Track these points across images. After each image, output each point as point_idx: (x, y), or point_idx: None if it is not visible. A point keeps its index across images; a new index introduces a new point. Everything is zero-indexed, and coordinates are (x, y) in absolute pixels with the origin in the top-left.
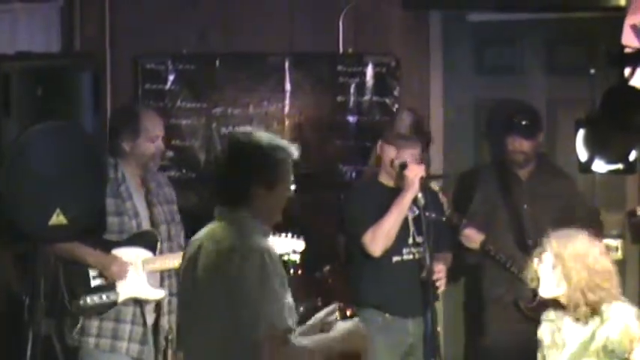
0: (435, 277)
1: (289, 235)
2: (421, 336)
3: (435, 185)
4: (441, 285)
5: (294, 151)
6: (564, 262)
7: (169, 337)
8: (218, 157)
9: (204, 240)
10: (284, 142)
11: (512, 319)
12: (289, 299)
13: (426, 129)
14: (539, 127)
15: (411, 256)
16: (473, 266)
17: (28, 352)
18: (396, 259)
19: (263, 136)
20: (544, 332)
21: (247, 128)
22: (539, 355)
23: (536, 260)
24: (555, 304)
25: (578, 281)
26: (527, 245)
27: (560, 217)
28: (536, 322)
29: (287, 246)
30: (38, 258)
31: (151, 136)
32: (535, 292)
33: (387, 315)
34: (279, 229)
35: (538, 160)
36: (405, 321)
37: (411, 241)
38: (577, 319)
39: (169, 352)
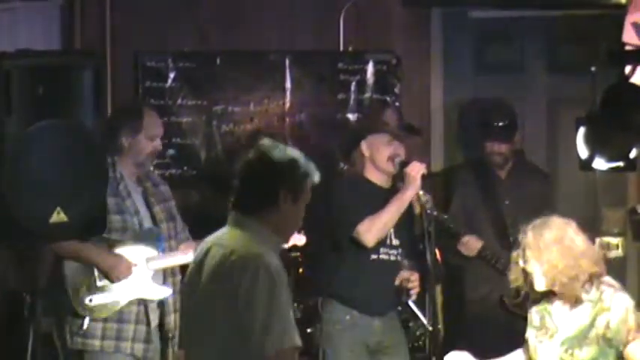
0: (409, 284)
1: None
2: (390, 334)
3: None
4: (414, 293)
5: (317, 174)
6: (543, 250)
7: (170, 336)
8: (244, 165)
9: (213, 245)
10: (310, 162)
11: (498, 318)
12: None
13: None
14: (515, 127)
15: (386, 257)
16: (454, 266)
17: (29, 350)
18: (373, 257)
19: (292, 149)
20: (534, 313)
21: (272, 141)
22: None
23: (521, 261)
24: (546, 292)
25: (560, 265)
26: (509, 241)
27: (537, 214)
28: (522, 319)
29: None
30: (38, 256)
31: (151, 135)
32: (519, 289)
33: (354, 312)
34: None
35: (516, 157)
36: (372, 319)
37: (388, 242)
38: (567, 304)
39: (170, 351)
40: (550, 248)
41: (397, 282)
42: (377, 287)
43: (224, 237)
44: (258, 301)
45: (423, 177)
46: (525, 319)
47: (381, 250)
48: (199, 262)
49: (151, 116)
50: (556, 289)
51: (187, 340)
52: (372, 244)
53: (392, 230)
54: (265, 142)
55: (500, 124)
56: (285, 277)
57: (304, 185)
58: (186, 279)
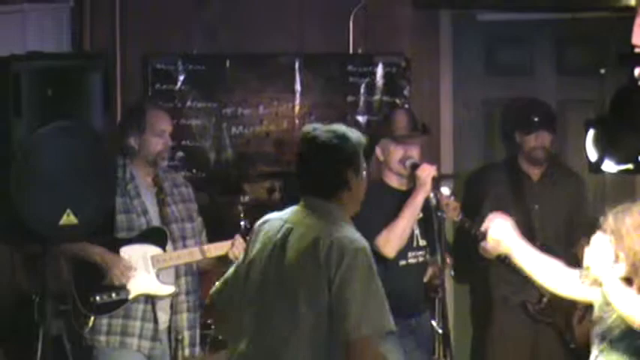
0: (437, 281)
1: None
2: (424, 333)
3: (447, 190)
4: (442, 289)
5: (362, 136)
6: (625, 237)
7: (179, 337)
8: (302, 155)
9: (294, 226)
10: (356, 131)
11: (519, 321)
12: None
13: (421, 123)
14: (555, 118)
15: (415, 260)
16: (481, 267)
17: (39, 352)
18: (402, 263)
19: (336, 125)
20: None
21: (316, 125)
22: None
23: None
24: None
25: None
26: (536, 246)
27: (568, 219)
28: (544, 324)
29: None
30: (48, 258)
31: (157, 131)
32: (542, 294)
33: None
34: None
35: (549, 159)
36: (409, 319)
37: (415, 244)
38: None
39: (179, 352)
40: (631, 234)
41: (426, 279)
42: (410, 290)
43: (305, 220)
44: (356, 284)
45: (434, 179)
46: (548, 324)
47: (409, 254)
48: (279, 244)
49: (154, 113)
50: (633, 275)
51: (257, 324)
52: (394, 255)
53: (417, 232)
54: (308, 128)
55: (540, 116)
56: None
57: (360, 155)
58: (258, 260)
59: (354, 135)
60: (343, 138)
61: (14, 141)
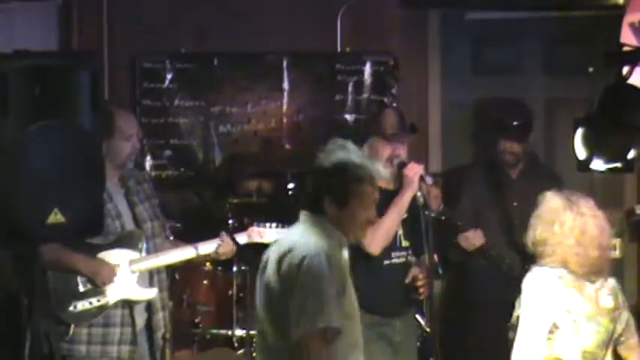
0: (418, 282)
1: (274, 225)
2: (408, 334)
3: (430, 178)
4: (423, 290)
5: (377, 176)
6: None
7: (167, 336)
8: (315, 167)
9: (283, 240)
10: (367, 166)
11: (501, 321)
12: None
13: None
14: (530, 128)
15: (398, 260)
16: (453, 268)
17: (26, 351)
18: (386, 262)
19: (351, 155)
20: None
21: (341, 143)
22: None
23: None
24: None
25: None
26: (516, 242)
27: None
28: None
29: (273, 236)
30: (36, 258)
31: (126, 136)
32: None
33: (375, 316)
34: (267, 220)
35: (528, 159)
36: (394, 320)
37: (399, 244)
38: None
39: (167, 351)
40: None
41: (408, 280)
42: (393, 291)
43: (292, 232)
44: (298, 286)
45: (421, 178)
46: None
47: (393, 254)
48: (271, 261)
49: (123, 117)
50: None
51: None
52: (379, 253)
53: (401, 232)
54: (331, 144)
55: (516, 123)
56: (336, 265)
57: (350, 192)
58: (261, 277)
59: (358, 170)
60: (336, 169)
61: (1, 140)
